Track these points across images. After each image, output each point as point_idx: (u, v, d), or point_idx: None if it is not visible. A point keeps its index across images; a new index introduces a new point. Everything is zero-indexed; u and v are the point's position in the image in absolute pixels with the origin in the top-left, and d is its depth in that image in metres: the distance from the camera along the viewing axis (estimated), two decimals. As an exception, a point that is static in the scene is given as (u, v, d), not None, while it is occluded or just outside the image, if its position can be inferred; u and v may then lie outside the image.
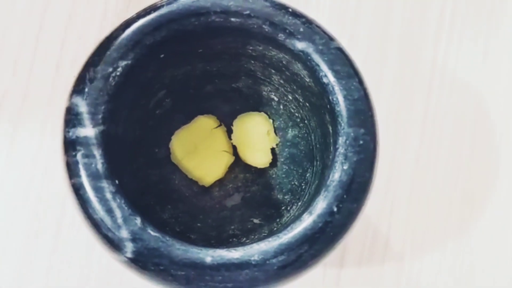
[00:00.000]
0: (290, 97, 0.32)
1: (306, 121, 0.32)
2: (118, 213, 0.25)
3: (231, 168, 0.34)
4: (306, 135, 0.33)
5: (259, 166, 0.33)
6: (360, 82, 0.26)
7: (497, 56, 0.39)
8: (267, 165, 0.33)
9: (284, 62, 0.29)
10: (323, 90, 0.27)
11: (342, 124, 0.26)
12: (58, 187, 0.36)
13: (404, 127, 0.38)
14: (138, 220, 0.25)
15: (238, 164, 0.34)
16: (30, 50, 0.38)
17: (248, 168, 0.34)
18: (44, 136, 0.37)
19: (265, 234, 0.31)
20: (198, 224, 0.32)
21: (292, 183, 0.33)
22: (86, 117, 0.25)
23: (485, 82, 0.38)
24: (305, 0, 0.39)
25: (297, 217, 0.27)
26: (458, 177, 0.37)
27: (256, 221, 0.32)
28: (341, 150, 0.26)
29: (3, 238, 0.35)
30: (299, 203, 0.31)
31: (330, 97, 0.26)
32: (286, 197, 0.33)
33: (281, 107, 0.33)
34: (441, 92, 0.38)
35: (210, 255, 0.25)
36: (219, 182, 0.34)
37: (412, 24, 0.39)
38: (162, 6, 0.27)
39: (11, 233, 0.36)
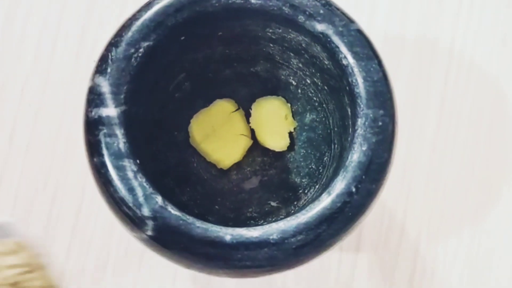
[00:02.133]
0: (308, 81, 0.32)
1: (324, 105, 0.32)
2: (139, 192, 0.25)
3: (249, 152, 0.34)
4: (324, 118, 0.33)
5: (276, 150, 0.34)
6: (380, 64, 0.27)
7: (516, 42, 0.38)
8: (285, 148, 0.34)
9: (303, 45, 0.29)
10: (343, 72, 0.27)
11: (361, 106, 0.26)
12: (77, 170, 0.36)
13: (421, 112, 0.38)
14: (159, 199, 0.25)
15: (256, 147, 0.34)
16: (52, 35, 0.38)
17: (266, 151, 0.34)
18: (64, 119, 0.37)
19: (283, 217, 0.31)
20: (216, 207, 0.33)
21: (310, 166, 0.33)
22: (108, 97, 0.26)
23: (503, 68, 0.38)
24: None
25: (315, 199, 0.28)
26: (475, 162, 0.37)
27: (273, 204, 0.33)
28: (360, 131, 0.26)
29: (24, 220, 0.36)
30: (317, 186, 0.32)
31: (350, 79, 0.26)
32: (303, 180, 0.33)
33: (299, 91, 0.33)
34: (458, 78, 0.38)
35: (229, 234, 0.25)
36: (237, 165, 0.34)
37: (429, 10, 0.39)
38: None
39: (31, 215, 0.36)
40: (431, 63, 0.38)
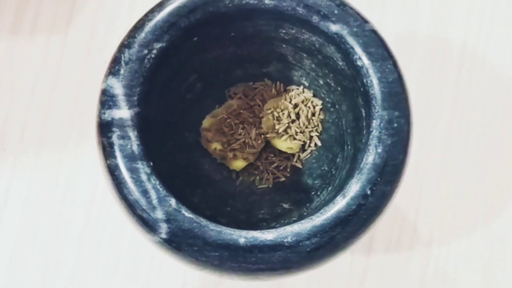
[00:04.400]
0: (321, 82, 0.32)
1: (337, 106, 0.32)
2: (153, 194, 0.25)
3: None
4: (336, 120, 0.32)
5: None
6: (395, 64, 0.26)
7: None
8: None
9: (316, 46, 0.29)
10: (357, 73, 0.27)
11: (376, 107, 0.26)
12: (88, 170, 0.36)
13: (433, 112, 0.37)
14: (172, 201, 0.25)
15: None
16: (61, 35, 0.38)
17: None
18: (74, 119, 0.37)
19: (295, 219, 0.31)
20: (228, 209, 0.33)
21: (322, 168, 0.33)
22: (121, 99, 0.26)
23: (517, 67, 0.38)
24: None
25: (328, 201, 0.27)
26: (488, 163, 0.37)
27: (285, 206, 0.32)
28: (375, 133, 0.26)
29: (34, 221, 0.36)
30: (330, 188, 0.31)
31: (364, 80, 0.26)
32: (316, 182, 0.33)
33: (311, 92, 0.33)
34: (471, 76, 0.38)
35: (243, 237, 0.25)
36: (249, 167, 0.34)
37: (441, 8, 0.38)
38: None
39: (41, 216, 0.36)
40: (443, 62, 0.38)
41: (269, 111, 0.33)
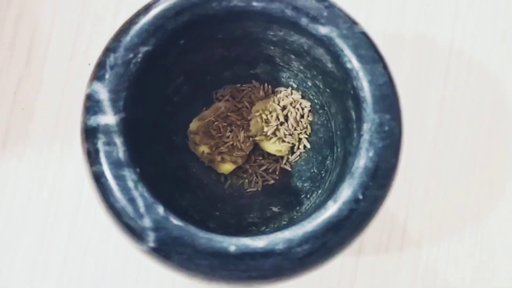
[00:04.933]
0: (310, 83, 0.32)
1: (325, 108, 0.32)
2: (140, 202, 0.25)
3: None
4: (325, 121, 0.32)
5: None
6: (385, 67, 0.26)
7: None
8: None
9: (305, 47, 0.28)
10: (347, 75, 0.26)
11: (367, 110, 0.25)
12: (73, 174, 0.36)
13: (421, 112, 0.37)
14: (160, 209, 0.25)
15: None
16: (44, 38, 0.37)
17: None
18: (58, 123, 0.36)
19: (285, 223, 0.31)
20: (217, 213, 0.32)
21: (312, 170, 0.32)
22: (107, 104, 0.25)
23: (503, 65, 0.38)
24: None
25: (319, 205, 0.27)
26: (476, 162, 0.37)
27: (275, 209, 0.32)
28: (366, 136, 0.25)
29: (20, 227, 0.35)
30: (319, 191, 0.31)
31: (355, 83, 0.26)
32: (305, 184, 0.32)
33: (300, 93, 0.33)
34: (458, 76, 0.38)
35: (234, 244, 0.24)
36: (237, 170, 0.33)
37: (428, 9, 0.38)
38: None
39: (27, 222, 0.35)
40: (430, 62, 0.38)
41: (258, 114, 0.33)
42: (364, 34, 0.26)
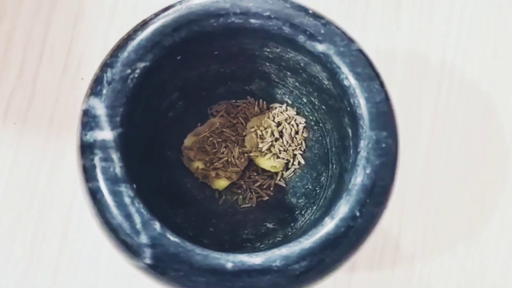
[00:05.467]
0: (305, 100, 0.32)
1: (321, 124, 0.32)
2: (137, 218, 0.24)
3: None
4: (320, 138, 0.32)
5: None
6: (381, 84, 0.26)
7: (507, 54, 0.38)
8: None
9: (301, 64, 0.28)
10: (344, 92, 0.26)
11: (364, 127, 0.25)
12: (64, 190, 0.35)
13: (413, 128, 0.37)
14: (157, 225, 0.24)
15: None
16: (37, 51, 0.37)
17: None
18: (50, 138, 0.36)
19: (280, 239, 0.31)
20: (211, 229, 0.32)
21: (306, 186, 0.32)
22: (104, 120, 0.25)
23: (495, 81, 0.38)
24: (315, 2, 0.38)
25: (314, 221, 0.27)
26: (468, 178, 0.37)
27: (269, 225, 0.32)
28: (363, 153, 0.25)
29: (10, 242, 0.35)
30: (314, 207, 0.31)
31: (351, 100, 0.26)
32: (300, 201, 0.32)
33: (294, 110, 0.33)
34: (450, 92, 0.38)
35: (231, 261, 0.24)
36: (232, 186, 0.33)
37: (420, 24, 0.39)
38: (180, 6, 0.26)
39: (17, 237, 0.35)
40: (422, 77, 0.38)
41: (252, 130, 0.33)
42: (361, 52, 0.26)
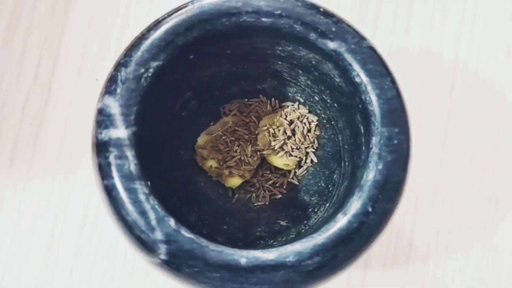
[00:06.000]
0: (317, 98, 0.32)
1: (333, 122, 0.32)
2: (151, 215, 0.25)
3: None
4: (333, 136, 0.32)
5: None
6: (393, 81, 0.26)
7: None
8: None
9: (313, 62, 0.29)
10: (355, 89, 0.26)
11: (376, 124, 0.26)
12: (80, 188, 0.36)
13: (427, 127, 0.37)
14: (172, 222, 0.25)
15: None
16: (52, 53, 0.37)
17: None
18: (66, 138, 0.36)
19: (293, 236, 0.31)
20: (225, 227, 0.32)
21: (319, 184, 0.33)
22: (118, 118, 0.25)
23: (508, 80, 0.38)
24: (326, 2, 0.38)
25: (328, 218, 0.27)
26: (482, 176, 0.37)
27: (283, 223, 0.32)
28: (375, 149, 0.25)
29: (26, 244, 0.35)
30: (327, 205, 0.31)
31: (363, 97, 0.26)
32: (313, 198, 0.32)
33: (307, 108, 0.33)
34: (463, 92, 0.38)
35: (244, 257, 0.24)
36: (245, 184, 0.33)
37: (433, 24, 0.39)
38: (192, 6, 0.26)
39: (34, 236, 0.35)
40: (435, 77, 0.38)
41: (265, 128, 0.33)
42: (372, 49, 0.26)
